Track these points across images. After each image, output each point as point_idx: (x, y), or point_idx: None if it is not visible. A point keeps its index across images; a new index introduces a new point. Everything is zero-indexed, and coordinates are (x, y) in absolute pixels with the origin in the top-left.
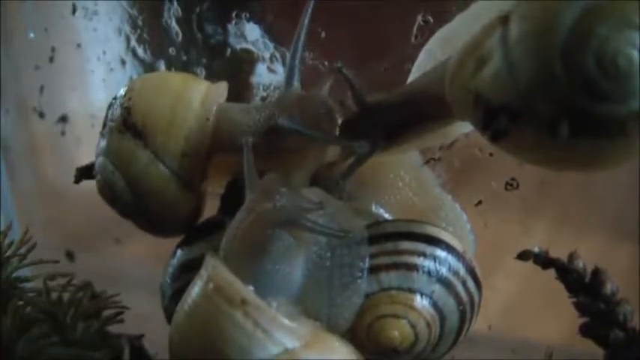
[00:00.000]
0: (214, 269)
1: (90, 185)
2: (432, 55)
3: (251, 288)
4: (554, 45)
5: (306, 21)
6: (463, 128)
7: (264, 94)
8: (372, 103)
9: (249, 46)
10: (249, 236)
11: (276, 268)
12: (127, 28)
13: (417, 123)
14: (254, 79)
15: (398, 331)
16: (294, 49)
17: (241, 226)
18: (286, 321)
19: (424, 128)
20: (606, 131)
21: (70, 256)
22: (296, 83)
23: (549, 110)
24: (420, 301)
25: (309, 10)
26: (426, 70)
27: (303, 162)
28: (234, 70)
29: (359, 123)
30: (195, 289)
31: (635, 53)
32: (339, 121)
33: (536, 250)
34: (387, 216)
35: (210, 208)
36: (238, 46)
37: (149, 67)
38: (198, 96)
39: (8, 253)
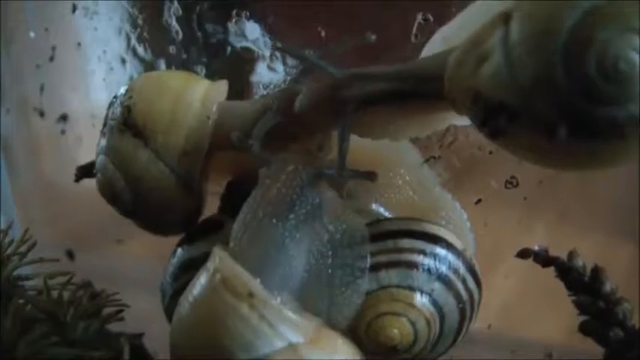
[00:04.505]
0: (221, 261)
1: (90, 184)
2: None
3: (258, 280)
4: (554, 47)
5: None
6: (442, 123)
7: (265, 92)
8: (345, 75)
9: (250, 45)
10: (276, 197)
11: (285, 245)
12: (128, 28)
13: (397, 99)
14: (254, 78)
15: (397, 329)
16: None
17: (269, 189)
18: (292, 315)
19: (402, 107)
20: (604, 134)
21: (70, 255)
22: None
23: (548, 111)
24: (420, 299)
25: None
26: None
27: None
28: (235, 69)
29: (331, 93)
30: (200, 281)
31: (637, 57)
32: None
33: (536, 248)
34: (386, 214)
35: (211, 208)
36: (239, 45)
37: (149, 66)
38: (198, 95)
39: (8, 252)
